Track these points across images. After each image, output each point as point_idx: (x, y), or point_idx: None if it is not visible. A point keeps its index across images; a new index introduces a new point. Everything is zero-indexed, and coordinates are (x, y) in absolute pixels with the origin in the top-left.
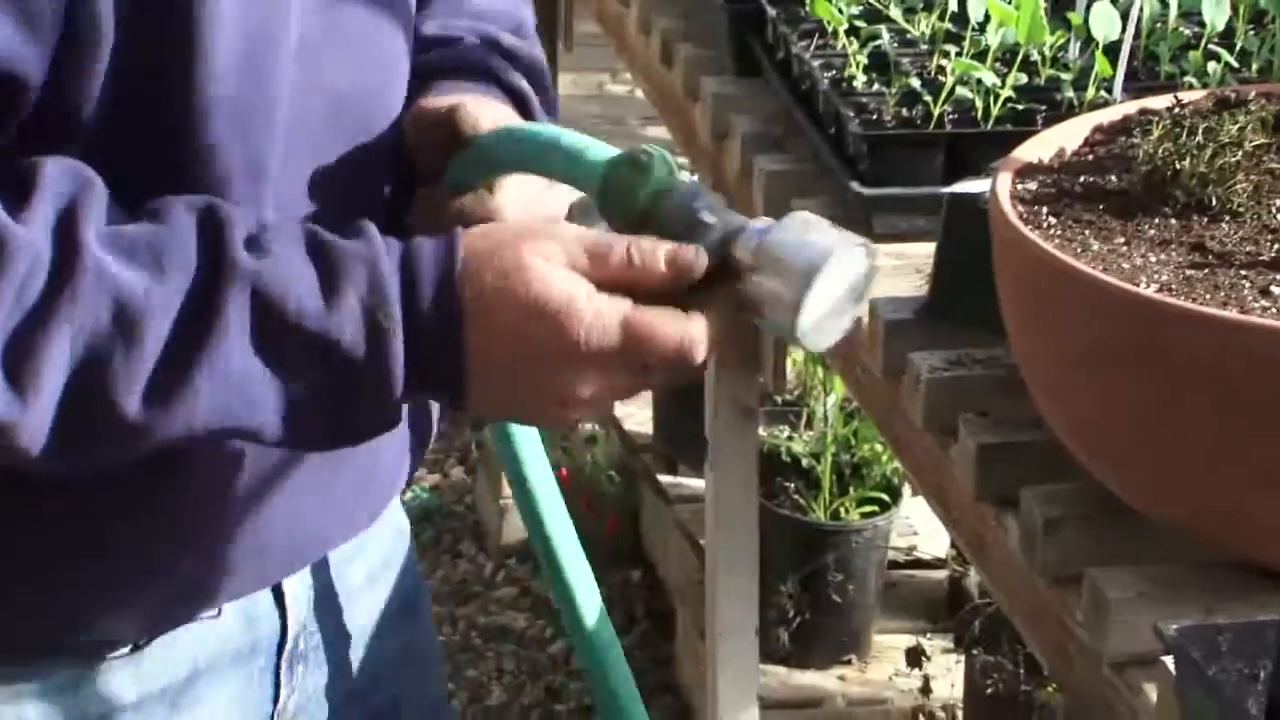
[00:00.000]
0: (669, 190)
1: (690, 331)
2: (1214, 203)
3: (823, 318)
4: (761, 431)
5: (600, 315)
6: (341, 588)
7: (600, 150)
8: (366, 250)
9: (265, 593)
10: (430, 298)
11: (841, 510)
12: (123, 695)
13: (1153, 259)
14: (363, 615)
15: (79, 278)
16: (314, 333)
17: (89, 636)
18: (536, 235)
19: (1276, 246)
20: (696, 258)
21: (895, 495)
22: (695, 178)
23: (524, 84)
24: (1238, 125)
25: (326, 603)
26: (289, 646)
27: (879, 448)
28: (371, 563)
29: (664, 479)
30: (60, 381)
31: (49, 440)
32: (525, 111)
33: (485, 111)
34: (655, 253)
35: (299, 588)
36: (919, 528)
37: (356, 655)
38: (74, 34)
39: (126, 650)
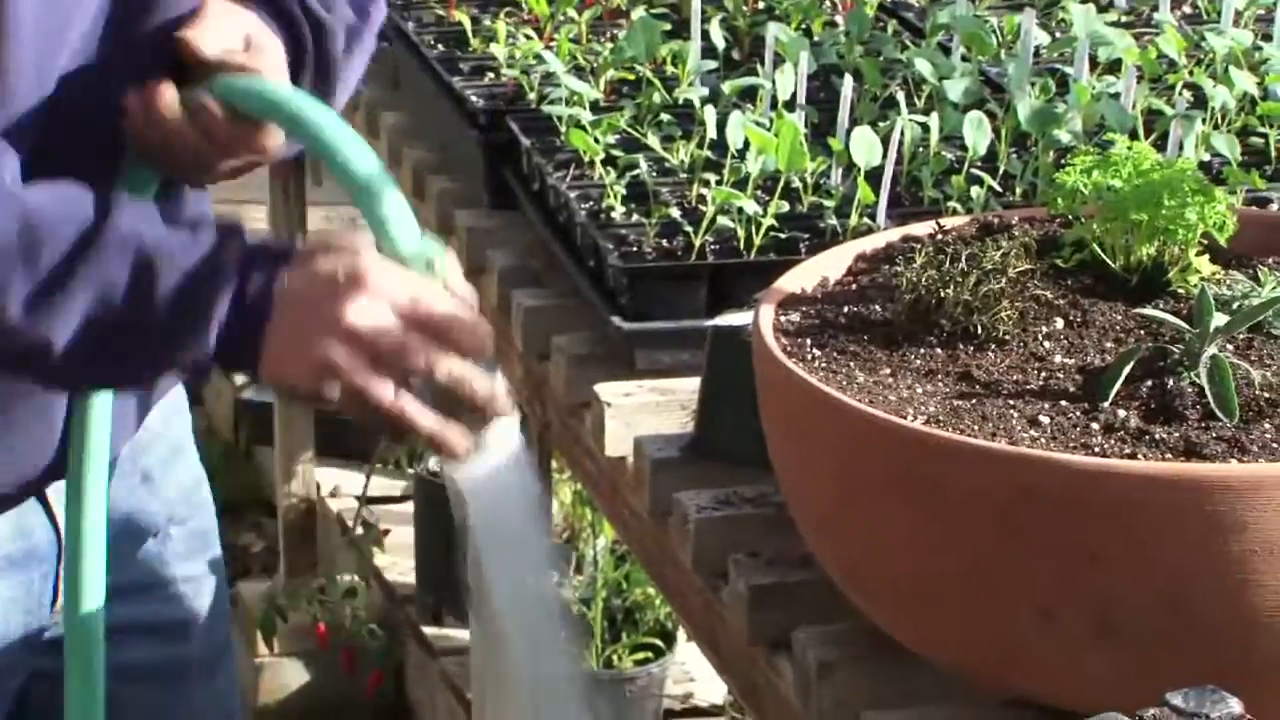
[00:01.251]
0: None
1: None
2: (979, 331)
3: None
4: None
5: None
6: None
7: (407, 229)
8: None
9: (33, 503)
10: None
11: (614, 658)
12: None
13: (919, 390)
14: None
15: None
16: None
17: None
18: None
19: (1043, 375)
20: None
21: (670, 641)
22: None
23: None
24: (1001, 251)
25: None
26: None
27: (651, 591)
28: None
29: (429, 630)
30: None
31: None
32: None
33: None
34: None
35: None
36: (695, 674)
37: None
38: None
39: None
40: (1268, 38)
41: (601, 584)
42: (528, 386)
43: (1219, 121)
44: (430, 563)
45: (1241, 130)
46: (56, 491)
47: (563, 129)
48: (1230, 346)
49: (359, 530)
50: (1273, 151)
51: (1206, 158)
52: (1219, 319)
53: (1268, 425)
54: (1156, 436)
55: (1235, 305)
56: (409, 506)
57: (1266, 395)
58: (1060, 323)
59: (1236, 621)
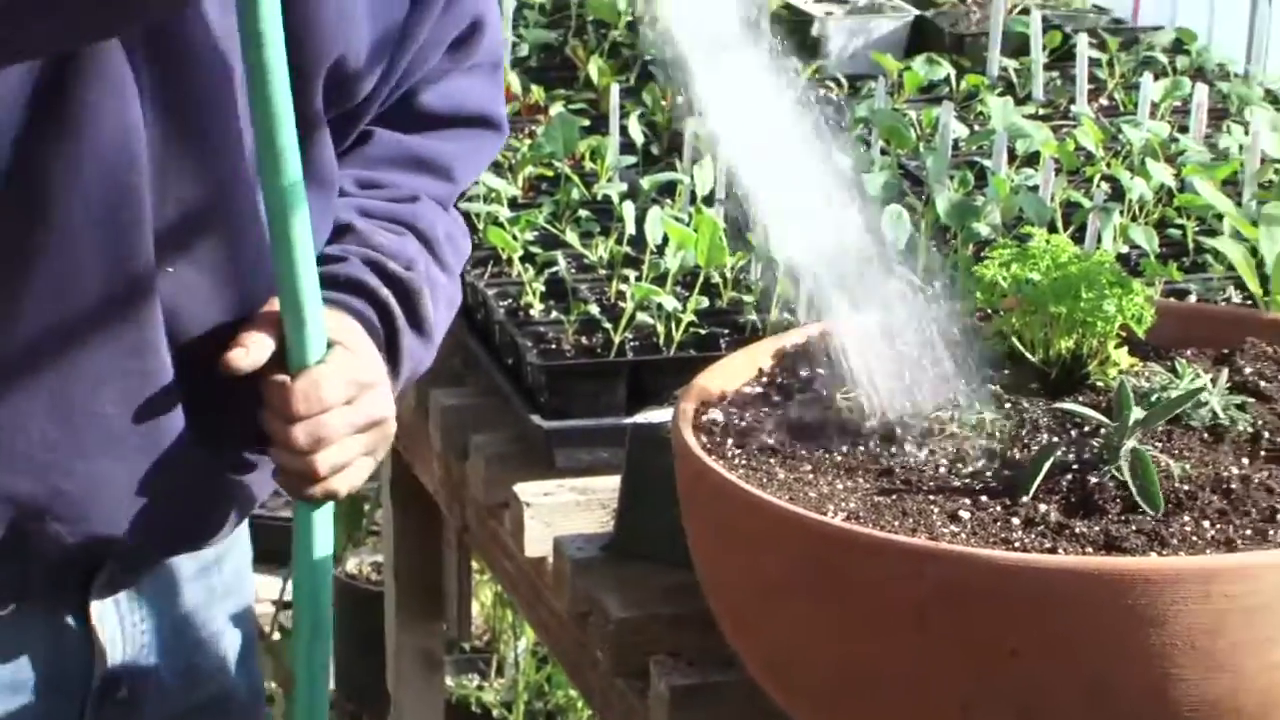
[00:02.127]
0: None
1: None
2: (900, 429)
3: None
4: (449, 681)
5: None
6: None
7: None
8: None
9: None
10: None
11: None
12: None
13: (840, 486)
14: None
15: None
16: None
17: None
18: None
19: (964, 470)
20: None
21: None
22: None
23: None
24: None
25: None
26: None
27: (574, 694)
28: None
29: None
30: None
31: None
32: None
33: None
34: None
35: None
36: None
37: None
38: None
39: None
40: (1184, 129)
41: (523, 687)
42: (446, 487)
43: (1136, 213)
44: (350, 666)
45: (1159, 222)
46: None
47: (481, 226)
48: (1150, 439)
49: (275, 635)
50: (1190, 243)
51: (1124, 249)
52: (1137, 412)
53: (1187, 518)
54: (1077, 530)
55: (1154, 398)
56: None
57: (1186, 488)
58: (986, 416)
59: (1158, 716)
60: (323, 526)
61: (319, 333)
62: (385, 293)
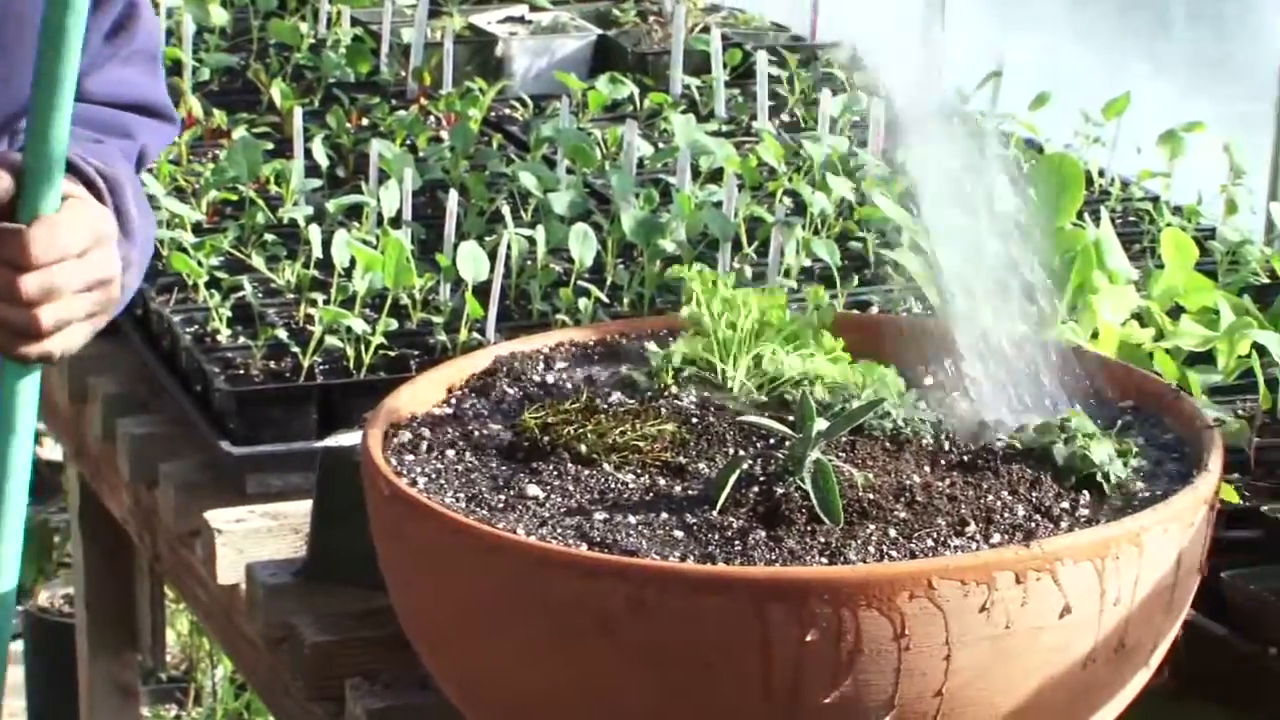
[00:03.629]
0: None
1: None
2: (591, 448)
3: None
4: (146, 711)
5: None
6: None
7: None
8: None
9: None
10: None
11: None
12: None
13: (530, 504)
14: None
15: None
16: None
17: None
18: None
19: (655, 486)
20: None
21: None
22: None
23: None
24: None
25: None
26: None
27: None
28: None
29: None
30: None
31: None
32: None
33: None
34: None
35: None
36: None
37: None
38: None
39: None
40: (863, 144)
41: (221, 715)
42: (136, 516)
43: (819, 227)
44: (43, 700)
45: (840, 235)
46: None
47: (165, 252)
48: (834, 449)
49: None
50: (871, 255)
51: (807, 263)
52: (820, 423)
53: (871, 526)
54: (763, 542)
55: (838, 409)
56: (18, 644)
57: (870, 496)
58: (674, 432)
59: None
60: (28, 398)
61: (58, 183)
62: (104, 170)
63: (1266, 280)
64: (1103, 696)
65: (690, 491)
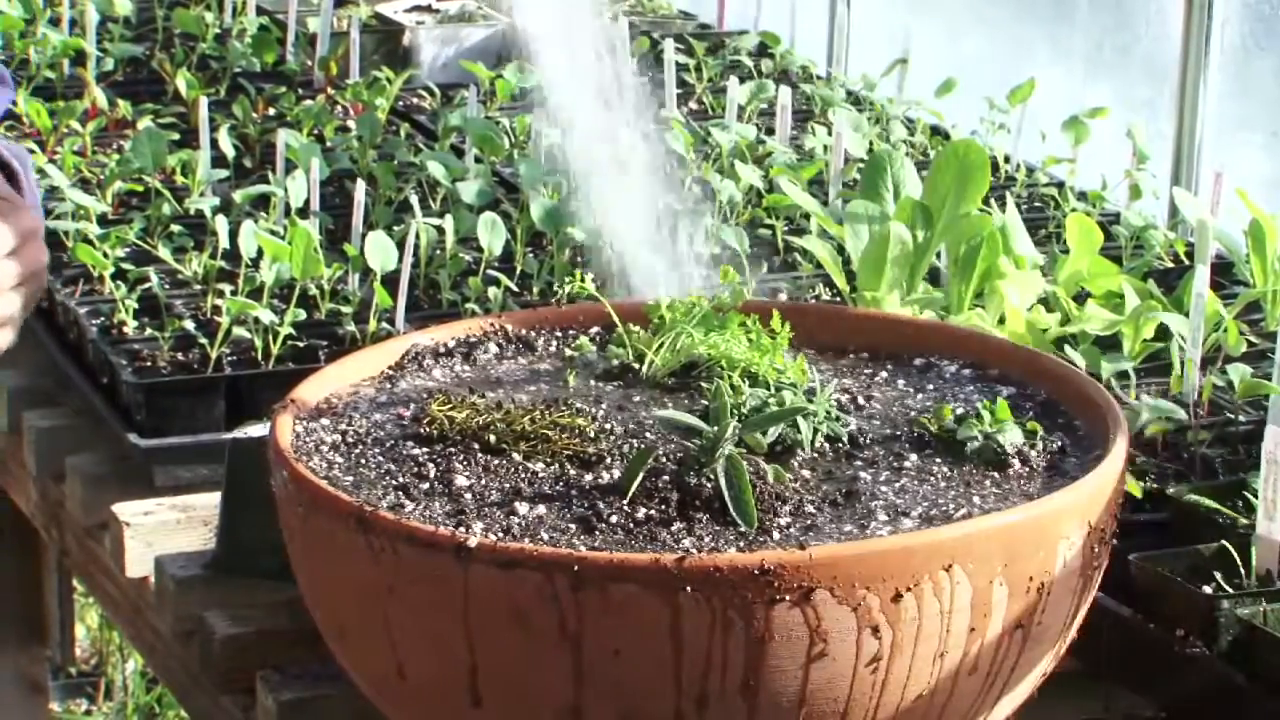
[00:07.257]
0: None
1: None
2: (493, 438)
3: None
4: (55, 706)
5: None
6: None
7: None
8: None
9: None
10: None
11: None
12: None
13: (439, 494)
14: None
15: None
16: None
17: None
18: None
19: (567, 477)
20: None
21: None
22: None
23: None
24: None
25: None
26: None
27: (186, 715)
28: None
29: None
30: None
31: None
32: None
33: None
34: None
35: None
36: None
37: None
38: None
39: None
40: (771, 131)
41: (132, 710)
42: (43, 510)
43: (727, 215)
44: None
45: (749, 223)
46: None
47: (70, 244)
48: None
49: None
50: (780, 243)
51: (716, 250)
52: (734, 424)
53: (784, 520)
54: (674, 531)
55: (757, 406)
56: None
57: (781, 489)
58: (592, 423)
59: (757, 712)
60: None
61: None
62: (8, 148)
63: (1170, 264)
64: (1013, 679)
65: (600, 480)
